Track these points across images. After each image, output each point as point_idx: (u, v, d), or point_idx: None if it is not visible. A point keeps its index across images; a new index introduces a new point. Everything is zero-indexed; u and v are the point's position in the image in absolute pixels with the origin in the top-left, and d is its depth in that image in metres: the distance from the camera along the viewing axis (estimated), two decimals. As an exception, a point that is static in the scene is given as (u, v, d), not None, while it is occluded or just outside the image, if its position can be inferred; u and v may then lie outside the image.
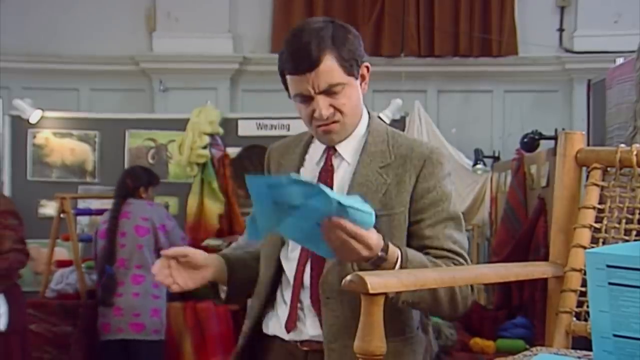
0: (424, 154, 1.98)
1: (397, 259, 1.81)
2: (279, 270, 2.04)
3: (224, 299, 2.13)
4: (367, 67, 2.03)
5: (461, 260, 1.95)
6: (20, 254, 4.34)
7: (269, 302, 2.06)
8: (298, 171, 2.06)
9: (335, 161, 2.04)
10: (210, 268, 2.03)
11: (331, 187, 1.96)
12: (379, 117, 2.20)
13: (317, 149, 2.08)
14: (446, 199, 1.97)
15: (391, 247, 1.80)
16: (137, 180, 4.94)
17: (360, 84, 2.02)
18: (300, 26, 1.98)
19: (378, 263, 1.78)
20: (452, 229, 1.97)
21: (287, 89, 2.03)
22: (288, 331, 2.01)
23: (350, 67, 1.95)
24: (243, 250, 2.22)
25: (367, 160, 2.00)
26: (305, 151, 2.11)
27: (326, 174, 2.03)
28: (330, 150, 2.05)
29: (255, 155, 4.68)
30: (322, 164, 2.05)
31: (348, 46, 1.95)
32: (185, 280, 1.98)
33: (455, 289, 1.90)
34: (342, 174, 2.02)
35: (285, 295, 2.03)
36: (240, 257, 2.15)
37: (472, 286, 1.95)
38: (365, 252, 1.74)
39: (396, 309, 1.87)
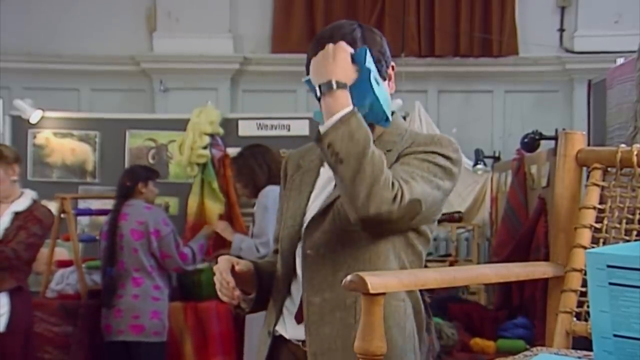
0: (430, 136, 2.00)
1: (348, 108, 1.79)
2: (295, 267, 2.04)
3: (247, 309, 2.10)
4: (392, 67, 2.06)
5: (404, 186, 1.80)
6: (13, 253, 4.23)
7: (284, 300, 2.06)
8: (318, 170, 2.08)
9: None
10: (250, 271, 2.04)
11: None
12: None
13: None
14: (428, 163, 1.89)
15: (347, 94, 1.81)
16: (135, 177, 4.93)
17: (388, 84, 2.05)
18: (328, 29, 2.00)
19: (326, 89, 1.80)
20: (420, 177, 1.85)
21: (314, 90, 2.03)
22: (298, 322, 2.00)
23: (381, 67, 1.98)
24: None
25: (377, 144, 1.95)
26: None
27: None
28: None
29: (259, 153, 4.67)
30: None
31: (378, 47, 1.98)
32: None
33: (381, 180, 1.75)
34: None
35: (294, 291, 2.03)
36: (266, 263, 2.15)
37: (397, 197, 1.78)
38: (328, 64, 1.82)
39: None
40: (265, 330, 2.09)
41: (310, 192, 2.07)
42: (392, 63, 2.06)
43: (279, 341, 2.05)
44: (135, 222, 4.77)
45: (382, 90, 1.93)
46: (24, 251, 4.26)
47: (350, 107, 1.79)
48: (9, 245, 4.22)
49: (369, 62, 1.88)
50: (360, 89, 1.87)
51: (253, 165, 4.63)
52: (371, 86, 1.87)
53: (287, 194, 2.14)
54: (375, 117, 1.92)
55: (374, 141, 1.88)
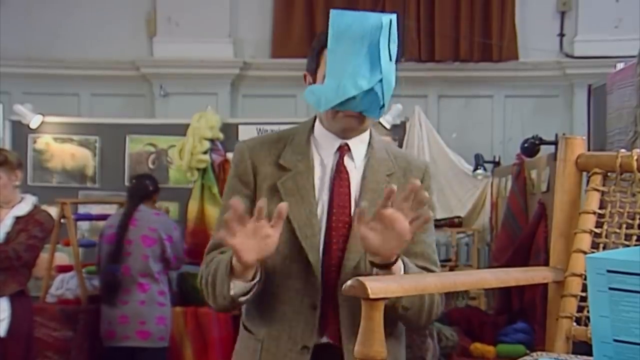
0: (421, 168, 2.11)
1: (400, 270, 1.87)
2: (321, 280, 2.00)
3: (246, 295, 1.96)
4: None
5: (437, 270, 2.05)
6: (13, 253, 4.23)
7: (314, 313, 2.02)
8: (311, 169, 2.03)
9: (347, 163, 2.03)
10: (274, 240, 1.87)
11: (348, 187, 2.02)
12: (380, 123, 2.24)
13: (327, 150, 2.05)
14: (434, 210, 2.07)
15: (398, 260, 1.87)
16: (156, 184, 5.03)
17: None
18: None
19: (387, 265, 1.84)
20: (433, 238, 2.09)
21: (315, 69, 2.04)
22: (323, 333, 2.00)
23: None
24: None
25: (376, 166, 2.03)
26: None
27: (341, 176, 2.02)
28: (344, 150, 2.04)
29: None
30: (337, 159, 2.04)
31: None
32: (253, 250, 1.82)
33: (436, 300, 1.98)
34: (355, 175, 2.03)
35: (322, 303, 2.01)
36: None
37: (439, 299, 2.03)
38: (402, 240, 1.81)
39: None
40: (299, 347, 1.99)
41: (313, 196, 2.02)
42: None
43: (319, 350, 2.00)
44: (147, 228, 4.77)
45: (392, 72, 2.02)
46: (24, 252, 4.26)
47: (402, 269, 1.87)
48: (9, 246, 4.24)
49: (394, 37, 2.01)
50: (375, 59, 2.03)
51: None
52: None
53: (274, 198, 1.98)
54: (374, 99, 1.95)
55: (369, 157, 2.04)
